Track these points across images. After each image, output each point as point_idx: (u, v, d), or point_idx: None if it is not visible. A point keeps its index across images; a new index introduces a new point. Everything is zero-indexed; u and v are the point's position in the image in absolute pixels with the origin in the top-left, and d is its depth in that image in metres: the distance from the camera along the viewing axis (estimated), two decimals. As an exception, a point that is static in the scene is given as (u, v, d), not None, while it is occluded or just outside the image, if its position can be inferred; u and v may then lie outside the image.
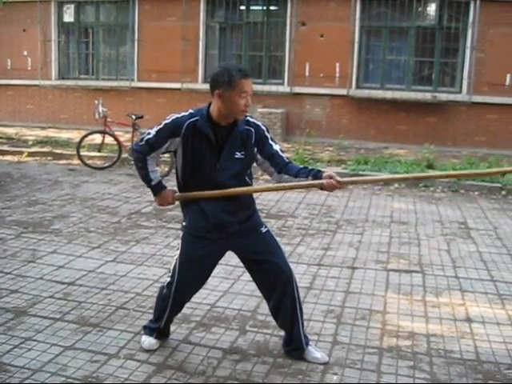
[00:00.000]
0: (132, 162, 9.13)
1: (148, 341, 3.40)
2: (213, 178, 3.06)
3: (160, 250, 5.23)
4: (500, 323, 3.90)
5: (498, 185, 8.28)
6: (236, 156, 3.05)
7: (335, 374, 3.18)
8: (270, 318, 3.65)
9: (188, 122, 3.02)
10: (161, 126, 3.08)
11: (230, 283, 4.44)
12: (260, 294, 4.06)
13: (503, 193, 8.17)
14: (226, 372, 3.16)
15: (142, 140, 3.13)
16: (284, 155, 3.16)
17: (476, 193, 8.18)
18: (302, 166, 3.17)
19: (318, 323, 3.80)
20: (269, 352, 3.40)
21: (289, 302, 3.23)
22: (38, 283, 4.36)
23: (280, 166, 3.13)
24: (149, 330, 3.43)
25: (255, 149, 3.10)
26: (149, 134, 3.11)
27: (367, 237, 5.89)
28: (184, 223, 3.24)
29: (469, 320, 3.94)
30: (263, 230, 3.23)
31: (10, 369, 3.11)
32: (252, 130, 3.08)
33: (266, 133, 3.14)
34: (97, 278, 4.51)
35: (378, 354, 3.42)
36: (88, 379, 3.04)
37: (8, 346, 3.36)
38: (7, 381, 2.99)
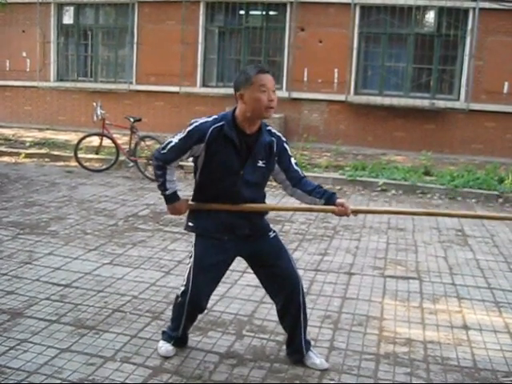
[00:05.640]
0: (130, 165, 9.17)
1: (165, 347, 3.35)
2: (233, 185, 3.03)
3: (157, 253, 5.22)
4: (497, 331, 3.89)
5: (495, 192, 8.30)
6: (258, 164, 3.05)
7: (332, 379, 3.17)
8: (267, 323, 3.65)
9: (213, 127, 2.96)
10: (184, 134, 3.01)
11: (227, 287, 4.42)
12: (257, 299, 4.07)
13: (500, 200, 8.18)
14: (223, 376, 3.15)
15: (164, 148, 3.05)
16: (299, 169, 3.18)
17: (473, 200, 8.19)
18: (316, 185, 3.17)
19: (315, 329, 3.78)
20: (265, 357, 3.39)
21: (294, 307, 3.22)
22: (35, 285, 4.34)
23: (295, 180, 3.14)
24: (167, 336, 3.38)
25: (276, 158, 3.10)
26: (171, 142, 3.03)
27: (364, 243, 5.89)
28: (191, 224, 3.19)
29: (466, 327, 3.94)
30: (271, 234, 3.23)
31: (5, 371, 3.09)
32: (274, 139, 3.08)
33: (286, 145, 3.15)
34: (93, 281, 4.49)
35: (374, 361, 3.41)
36: (84, 382, 3.02)
37: (3, 348, 3.34)
38: (2, 382, 2.98)
